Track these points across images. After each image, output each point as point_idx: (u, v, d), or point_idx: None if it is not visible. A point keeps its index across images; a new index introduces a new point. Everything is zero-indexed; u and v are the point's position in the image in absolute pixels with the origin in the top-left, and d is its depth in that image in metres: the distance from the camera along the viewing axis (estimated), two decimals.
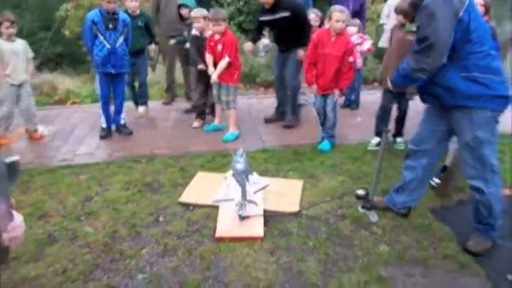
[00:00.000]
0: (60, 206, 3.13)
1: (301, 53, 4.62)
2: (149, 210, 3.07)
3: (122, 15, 4.44)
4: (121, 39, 4.40)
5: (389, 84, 2.90)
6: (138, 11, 5.05)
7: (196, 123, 4.90)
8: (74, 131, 4.86)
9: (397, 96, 4.06)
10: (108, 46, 4.32)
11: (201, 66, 4.63)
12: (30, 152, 4.27)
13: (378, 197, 3.09)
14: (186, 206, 3.12)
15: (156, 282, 2.35)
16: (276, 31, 4.84)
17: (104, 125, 4.63)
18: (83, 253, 2.58)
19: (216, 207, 3.02)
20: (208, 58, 4.46)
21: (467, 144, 2.50)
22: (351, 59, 4.09)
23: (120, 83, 4.61)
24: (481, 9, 3.52)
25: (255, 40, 5.05)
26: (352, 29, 4.96)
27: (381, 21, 5.92)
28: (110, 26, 4.31)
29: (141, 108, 5.40)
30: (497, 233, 2.65)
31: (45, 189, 3.39)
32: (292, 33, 4.61)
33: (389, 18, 5.42)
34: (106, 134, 4.60)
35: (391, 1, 5.48)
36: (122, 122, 4.78)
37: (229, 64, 4.38)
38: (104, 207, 3.10)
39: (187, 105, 5.60)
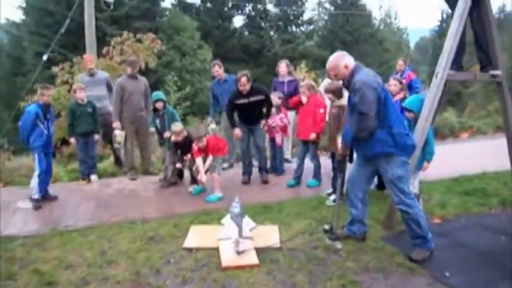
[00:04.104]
0: (81, 258, 3.66)
1: (263, 122, 5.98)
2: (159, 255, 3.70)
3: (51, 107, 5.45)
4: (53, 126, 5.39)
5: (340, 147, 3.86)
6: (85, 100, 6.10)
7: (190, 188, 5.74)
8: (67, 203, 5.39)
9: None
10: (46, 132, 5.24)
11: (179, 165, 5.85)
12: (35, 220, 4.75)
13: (340, 230, 3.99)
14: (189, 250, 3.79)
15: None
16: (246, 111, 5.86)
17: (37, 196, 5.23)
18: None
19: (215, 249, 3.73)
20: (198, 161, 5.34)
21: (391, 181, 3.52)
22: (321, 110, 5.43)
23: (51, 159, 5.49)
24: (396, 88, 4.83)
25: (231, 121, 5.99)
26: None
27: None
28: (47, 116, 5.27)
29: (93, 177, 6.36)
30: (431, 244, 3.61)
31: (61, 248, 3.88)
32: (259, 110, 5.88)
33: (324, 96, 6.74)
34: (40, 205, 5.19)
35: (324, 82, 6.89)
36: (50, 191, 5.56)
37: (217, 149, 5.38)
38: (120, 257, 3.67)
39: (154, 178, 6.37)
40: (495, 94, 4.90)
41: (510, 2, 34.01)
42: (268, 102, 5.91)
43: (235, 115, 5.98)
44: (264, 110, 5.97)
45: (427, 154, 4.42)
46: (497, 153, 5.34)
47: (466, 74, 4.70)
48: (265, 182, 6.05)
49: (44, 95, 5.24)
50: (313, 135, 5.54)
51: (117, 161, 6.98)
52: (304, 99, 5.70)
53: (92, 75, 6.72)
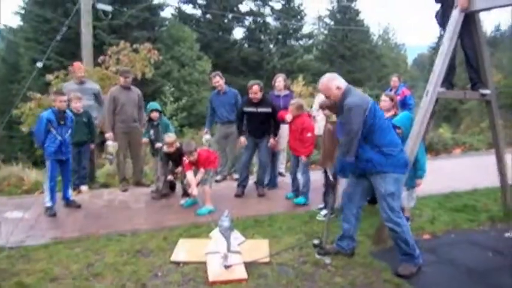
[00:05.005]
0: (67, 271, 3.61)
1: (273, 142, 5.99)
2: (147, 268, 3.65)
3: (68, 113, 5.43)
4: (68, 132, 5.35)
5: (332, 178, 3.89)
6: (81, 110, 6.09)
7: (182, 201, 5.70)
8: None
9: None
10: (59, 138, 5.20)
11: (170, 177, 5.90)
12: (19, 232, 4.62)
13: (329, 245, 3.98)
14: (177, 264, 3.75)
15: None
16: (255, 121, 5.98)
17: (50, 204, 5.23)
18: None
19: (203, 263, 3.69)
20: (189, 175, 5.33)
21: (383, 197, 3.53)
22: (309, 134, 5.43)
23: (68, 166, 5.48)
24: (386, 104, 4.85)
25: (240, 129, 6.19)
26: None
27: (313, 114, 7.26)
28: (62, 122, 5.25)
29: (83, 187, 6.31)
30: (419, 260, 3.61)
31: (47, 260, 3.82)
32: (267, 123, 5.94)
33: (319, 111, 6.76)
34: (55, 212, 5.22)
35: (318, 97, 6.91)
36: (72, 198, 5.61)
37: (208, 162, 5.40)
38: (107, 269, 3.62)
39: (145, 189, 6.39)
40: None
41: (505, 21, 34.34)
42: (275, 117, 5.95)
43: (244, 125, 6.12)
44: (272, 123, 6.02)
45: (418, 170, 4.42)
46: (488, 170, 5.40)
47: (456, 92, 4.75)
48: (261, 195, 6.07)
49: (56, 101, 5.24)
50: (303, 158, 5.58)
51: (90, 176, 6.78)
52: (289, 117, 5.68)
53: (81, 83, 6.64)
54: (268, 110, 5.92)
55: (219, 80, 6.75)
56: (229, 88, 6.92)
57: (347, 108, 3.42)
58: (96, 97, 6.81)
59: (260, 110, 5.89)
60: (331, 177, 3.85)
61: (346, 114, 3.43)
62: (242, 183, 6.15)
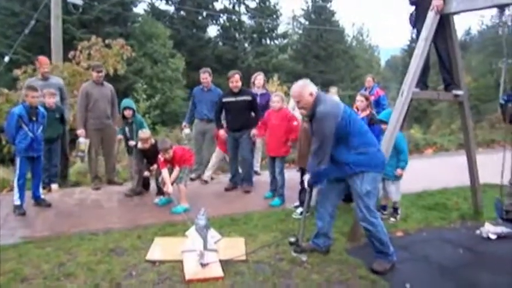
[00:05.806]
0: (38, 271, 3.49)
1: (254, 131, 6.02)
2: (121, 267, 3.58)
3: (40, 109, 5.27)
4: (40, 129, 5.19)
5: (307, 186, 3.85)
6: (54, 106, 5.92)
7: (157, 199, 5.63)
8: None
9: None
10: (31, 135, 5.05)
11: (146, 173, 5.90)
12: None
13: (305, 243, 4.00)
14: (152, 262, 3.68)
15: None
16: (234, 111, 6.01)
17: (19, 202, 5.07)
18: None
19: (179, 261, 3.65)
20: (164, 172, 5.25)
21: (359, 196, 3.58)
22: (295, 122, 5.47)
23: (39, 164, 5.32)
24: (361, 104, 4.93)
25: (218, 122, 6.20)
26: None
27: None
28: (33, 118, 5.09)
29: (54, 186, 6.15)
30: (393, 257, 3.67)
31: (16, 260, 3.69)
32: (246, 114, 5.99)
33: (295, 110, 6.80)
34: (24, 211, 5.06)
35: None
36: (42, 196, 5.45)
37: (183, 160, 5.33)
38: (79, 269, 3.53)
39: (118, 188, 6.28)
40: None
41: (475, 25, 35.57)
42: (254, 108, 6.04)
43: (223, 120, 6.18)
44: (252, 114, 6.09)
45: (400, 161, 4.65)
46: (459, 170, 5.56)
47: (430, 93, 4.86)
48: (247, 191, 6.15)
49: (28, 96, 5.06)
50: (289, 143, 5.61)
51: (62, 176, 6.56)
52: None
53: (45, 79, 6.40)
54: (248, 98, 6.01)
55: (207, 77, 6.77)
56: (214, 87, 6.93)
57: (319, 115, 3.47)
58: (61, 92, 6.57)
59: (239, 98, 5.95)
60: (306, 183, 3.82)
61: (318, 121, 3.48)
62: (233, 180, 6.32)
